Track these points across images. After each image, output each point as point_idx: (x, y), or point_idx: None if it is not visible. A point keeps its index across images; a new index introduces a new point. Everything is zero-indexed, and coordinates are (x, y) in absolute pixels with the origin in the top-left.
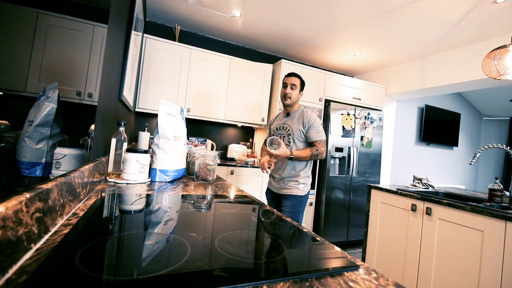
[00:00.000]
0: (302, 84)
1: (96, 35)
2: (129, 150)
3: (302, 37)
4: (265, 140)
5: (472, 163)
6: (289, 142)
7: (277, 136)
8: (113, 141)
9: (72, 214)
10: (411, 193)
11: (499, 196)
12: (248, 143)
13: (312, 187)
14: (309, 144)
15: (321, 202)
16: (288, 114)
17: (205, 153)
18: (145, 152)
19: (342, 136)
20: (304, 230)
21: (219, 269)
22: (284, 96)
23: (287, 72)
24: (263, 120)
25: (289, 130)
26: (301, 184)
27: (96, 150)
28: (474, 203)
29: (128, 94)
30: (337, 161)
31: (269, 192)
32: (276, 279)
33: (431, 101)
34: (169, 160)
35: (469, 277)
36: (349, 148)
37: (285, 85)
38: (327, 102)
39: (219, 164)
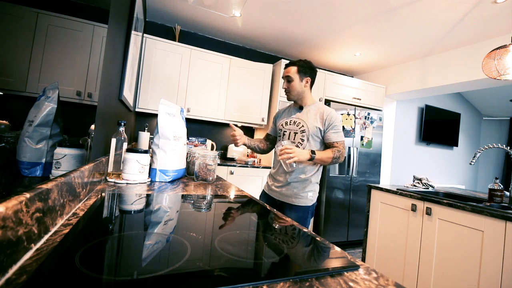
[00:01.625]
0: (302, 70)
1: (96, 35)
2: (129, 150)
3: (302, 37)
4: (267, 134)
5: (472, 163)
6: (302, 140)
7: (286, 131)
8: (113, 141)
9: (72, 214)
10: (411, 193)
11: (499, 196)
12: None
13: None
14: (326, 145)
15: (321, 202)
16: (301, 108)
17: (205, 153)
18: (145, 152)
19: None
20: (304, 230)
21: (219, 269)
22: (285, 92)
23: None
24: (263, 120)
25: (303, 126)
26: (310, 192)
27: (96, 150)
28: (474, 203)
29: (128, 94)
30: None
31: (266, 198)
32: (276, 279)
33: (431, 101)
34: (169, 160)
35: (469, 277)
36: (349, 148)
37: (283, 80)
38: (327, 102)
39: (219, 164)
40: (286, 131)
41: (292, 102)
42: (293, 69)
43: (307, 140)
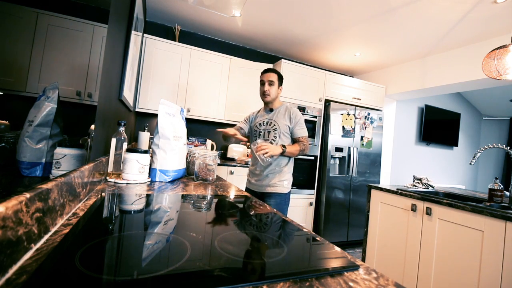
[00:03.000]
0: (280, 78)
1: (96, 35)
2: (129, 150)
3: (302, 37)
4: (239, 128)
5: (472, 163)
6: (275, 137)
7: (262, 131)
8: (113, 141)
9: (72, 214)
10: (411, 193)
11: (499, 196)
12: (248, 143)
13: (312, 187)
14: (293, 139)
15: (321, 202)
16: (271, 110)
17: (205, 153)
18: (145, 152)
19: (342, 136)
20: (304, 230)
21: (219, 269)
22: (263, 94)
23: (287, 72)
24: None
25: (275, 125)
26: (285, 180)
27: (96, 150)
28: (474, 203)
29: (128, 94)
30: (337, 161)
31: (248, 192)
32: (276, 279)
33: (431, 101)
34: (169, 160)
35: (469, 277)
36: (349, 148)
37: (262, 83)
38: (327, 102)
39: (219, 164)
40: (261, 131)
41: (263, 106)
42: (275, 76)
43: (279, 137)
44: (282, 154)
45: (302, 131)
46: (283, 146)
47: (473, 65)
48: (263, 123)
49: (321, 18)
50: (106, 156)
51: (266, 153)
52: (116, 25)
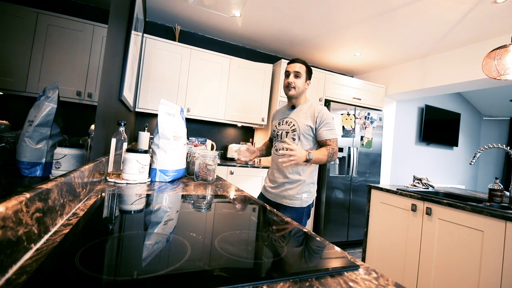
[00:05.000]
0: (309, 71)
1: (96, 35)
2: (129, 150)
3: (302, 37)
4: (270, 138)
5: (472, 163)
6: (293, 139)
7: (279, 131)
8: (113, 141)
9: (72, 214)
10: (411, 193)
11: (499, 196)
12: (248, 143)
13: None
14: (319, 143)
15: (321, 202)
16: (293, 107)
17: (205, 153)
18: (145, 152)
19: (342, 136)
20: (304, 230)
21: (219, 269)
22: (287, 86)
23: None
24: (263, 120)
25: (294, 125)
26: (305, 193)
27: (96, 150)
28: (474, 203)
29: (128, 94)
30: (337, 161)
31: (262, 199)
32: (276, 279)
33: (431, 101)
34: (169, 160)
35: (469, 277)
36: (349, 148)
37: (287, 74)
38: (327, 102)
39: (219, 164)
40: (279, 132)
41: (286, 102)
42: (303, 68)
43: (298, 139)
44: (307, 162)
45: (330, 133)
46: (309, 154)
47: (473, 65)
48: (282, 122)
49: (321, 18)
50: (106, 156)
51: (291, 161)
52: (116, 25)
